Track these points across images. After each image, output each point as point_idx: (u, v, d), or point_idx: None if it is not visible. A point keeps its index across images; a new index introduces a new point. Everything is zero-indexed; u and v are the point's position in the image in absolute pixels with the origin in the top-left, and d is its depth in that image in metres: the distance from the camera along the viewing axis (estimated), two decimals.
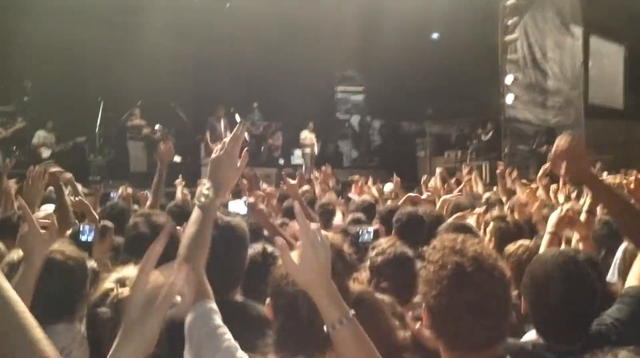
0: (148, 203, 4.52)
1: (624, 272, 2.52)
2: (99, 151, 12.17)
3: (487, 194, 6.17)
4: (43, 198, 4.75)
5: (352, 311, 1.47)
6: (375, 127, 19.08)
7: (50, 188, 4.63)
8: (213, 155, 1.86)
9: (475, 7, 14.08)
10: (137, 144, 12.48)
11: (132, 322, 1.20)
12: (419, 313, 2.05)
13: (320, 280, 1.46)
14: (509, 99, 14.83)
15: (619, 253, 2.98)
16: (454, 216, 4.14)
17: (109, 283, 1.85)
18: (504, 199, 5.92)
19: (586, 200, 3.30)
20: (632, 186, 3.45)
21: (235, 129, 1.85)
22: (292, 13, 14.61)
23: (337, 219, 5.08)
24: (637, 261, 2.09)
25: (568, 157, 2.08)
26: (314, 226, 1.50)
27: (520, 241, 2.83)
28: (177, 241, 1.76)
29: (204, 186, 1.82)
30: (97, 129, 12.00)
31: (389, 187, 8.16)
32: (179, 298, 1.77)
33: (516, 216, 4.49)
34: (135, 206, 5.49)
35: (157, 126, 12.73)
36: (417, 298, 2.48)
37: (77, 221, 3.94)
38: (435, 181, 7.21)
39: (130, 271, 1.85)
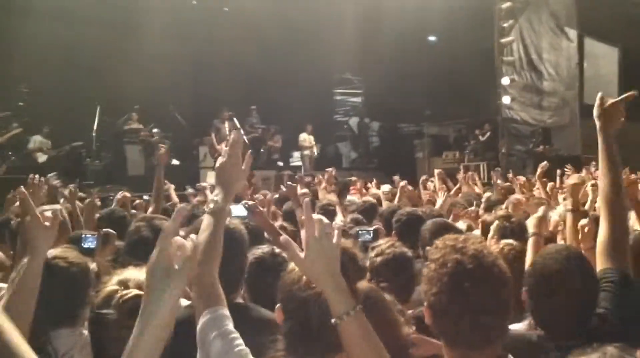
0: (150, 209, 4.49)
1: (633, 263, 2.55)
2: (95, 155, 12.07)
3: (487, 194, 6.23)
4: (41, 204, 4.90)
5: (359, 305, 1.47)
6: (374, 128, 19.14)
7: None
8: (217, 162, 1.87)
9: (472, 10, 14.18)
10: (135, 148, 12.31)
11: (153, 292, 1.20)
12: (417, 312, 2.10)
13: (327, 271, 1.46)
14: (506, 100, 14.98)
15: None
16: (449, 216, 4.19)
17: (111, 285, 1.84)
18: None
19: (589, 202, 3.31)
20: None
21: (232, 136, 1.87)
22: (290, 16, 14.58)
23: (338, 220, 4.96)
24: (603, 238, 2.13)
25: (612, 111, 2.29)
26: (320, 219, 1.50)
27: (504, 241, 2.86)
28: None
29: (213, 193, 1.83)
30: (93, 133, 11.88)
31: (386, 188, 8.21)
32: (184, 302, 1.84)
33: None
34: (133, 211, 5.45)
35: (154, 130, 12.66)
36: (414, 296, 2.53)
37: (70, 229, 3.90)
38: (434, 182, 7.25)
39: (131, 273, 1.86)
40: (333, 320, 1.46)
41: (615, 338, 1.20)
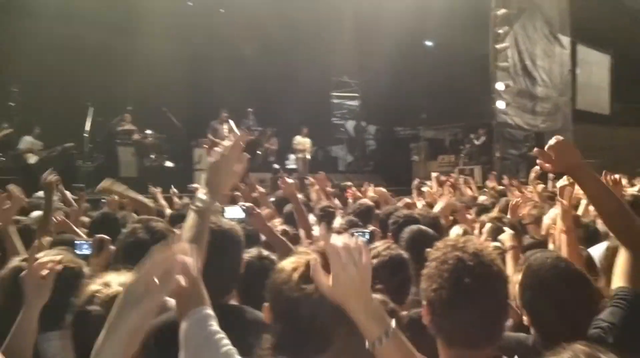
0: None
1: (606, 269, 2.56)
2: (87, 157, 11.72)
3: (482, 198, 6.30)
4: (32, 206, 4.86)
5: (393, 324, 1.43)
6: (371, 132, 19.24)
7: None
8: (211, 160, 1.82)
9: (468, 16, 14.33)
10: (127, 150, 12.10)
11: (124, 306, 1.21)
12: (413, 313, 2.09)
13: (357, 299, 1.41)
14: (500, 105, 15.18)
15: (599, 251, 2.98)
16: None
17: (94, 285, 1.79)
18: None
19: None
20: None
21: (237, 136, 1.83)
22: (288, 18, 14.57)
23: (337, 222, 4.89)
24: (620, 258, 2.05)
25: (557, 149, 2.13)
26: (345, 243, 1.42)
27: (495, 243, 2.87)
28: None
29: (200, 191, 1.78)
30: (85, 134, 11.56)
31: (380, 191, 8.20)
32: (172, 302, 1.78)
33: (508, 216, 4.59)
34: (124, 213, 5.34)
35: (148, 131, 12.52)
36: (410, 297, 2.53)
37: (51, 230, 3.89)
38: (431, 186, 7.29)
39: (114, 276, 1.82)
40: (367, 346, 1.41)
41: (616, 352, 1.19)
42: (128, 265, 2.15)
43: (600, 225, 3.59)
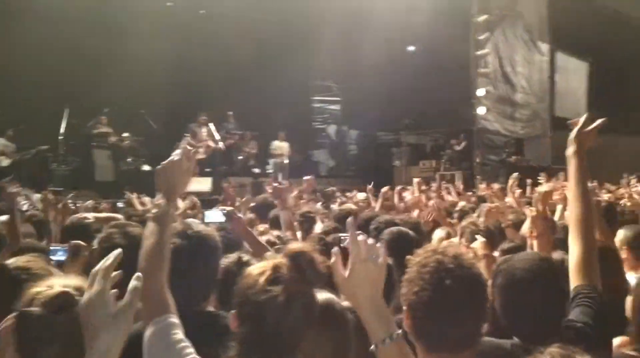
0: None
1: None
2: (62, 160, 11.59)
3: (461, 203, 6.33)
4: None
5: (398, 330, 1.47)
6: (352, 136, 19.22)
7: None
8: (158, 166, 1.82)
9: (450, 22, 14.47)
10: (103, 153, 11.99)
11: (98, 332, 1.27)
12: (396, 319, 2.14)
13: (370, 296, 1.45)
14: (481, 110, 15.31)
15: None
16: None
17: (36, 288, 1.70)
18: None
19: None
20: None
21: (181, 143, 1.90)
22: (270, 21, 14.58)
23: (318, 228, 4.81)
24: (572, 256, 2.15)
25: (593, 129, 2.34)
26: (370, 242, 1.49)
27: (472, 246, 2.93)
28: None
29: (156, 198, 1.78)
30: (60, 136, 11.44)
31: (362, 196, 8.24)
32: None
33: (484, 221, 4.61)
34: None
35: (124, 134, 12.38)
36: (394, 303, 2.48)
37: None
38: (413, 191, 7.28)
39: (58, 279, 1.73)
40: (372, 347, 1.45)
41: (592, 351, 1.22)
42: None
43: None
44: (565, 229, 3.61)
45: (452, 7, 14.49)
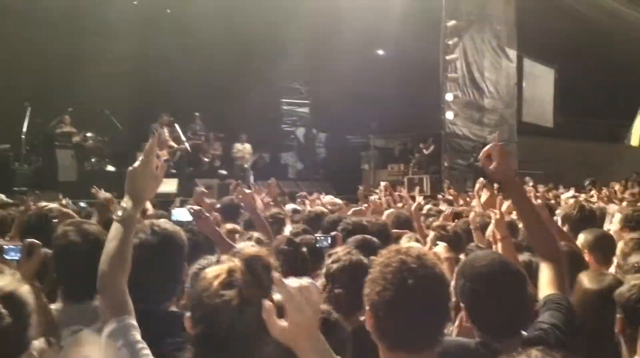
0: None
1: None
2: (24, 160, 11.30)
3: (427, 206, 6.34)
4: None
5: None
6: (321, 139, 19.25)
7: None
8: (129, 168, 1.83)
9: (420, 27, 14.56)
10: (67, 153, 11.58)
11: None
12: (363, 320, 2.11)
13: (308, 335, 1.41)
14: (449, 115, 15.45)
15: None
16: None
17: None
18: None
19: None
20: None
21: (150, 141, 1.88)
22: (238, 22, 14.40)
23: (287, 230, 4.85)
24: (544, 270, 2.20)
25: (500, 157, 2.25)
26: (297, 282, 1.41)
27: (435, 250, 2.93)
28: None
29: (123, 200, 1.78)
30: (23, 135, 11.08)
31: (329, 199, 8.24)
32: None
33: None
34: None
35: (88, 134, 12.09)
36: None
37: None
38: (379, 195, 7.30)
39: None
40: None
41: (555, 348, 1.24)
42: (59, 269, 2.18)
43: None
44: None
45: (422, 11, 14.61)
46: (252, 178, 13.69)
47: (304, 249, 3.17)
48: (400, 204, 6.85)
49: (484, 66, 17.15)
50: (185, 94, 14.03)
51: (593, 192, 9.76)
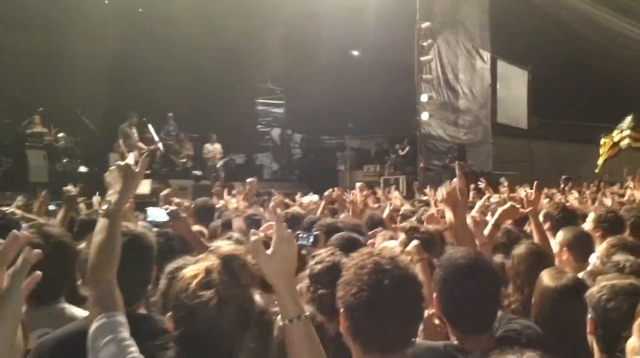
0: None
1: (514, 276, 2.82)
2: None
3: (404, 207, 6.31)
4: None
5: (306, 313, 1.55)
6: (296, 140, 19.22)
7: None
8: (112, 166, 1.86)
9: (394, 28, 14.60)
10: (38, 153, 11.39)
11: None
12: None
13: (286, 274, 1.53)
14: (424, 116, 15.50)
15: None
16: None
17: None
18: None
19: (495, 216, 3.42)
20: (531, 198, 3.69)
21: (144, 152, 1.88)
22: (214, 22, 14.29)
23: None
24: None
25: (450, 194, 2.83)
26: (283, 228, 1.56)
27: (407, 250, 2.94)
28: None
29: (108, 194, 1.80)
30: None
31: (308, 199, 8.21)
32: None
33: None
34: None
35: (60, 134, 11.87)
36: None
37: None
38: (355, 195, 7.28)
39: None
40: (282, 323, 1.53)
41: (526, 347, 1.27)
42: None
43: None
44: (507, 233, 3.68)
45: (397, 13, 14.65)
46: (222, 177, 13.56)
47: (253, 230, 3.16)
48: (376, 205, 6.86)
49: (459, 68, 17.30)
50: (160, 95, 13.87)
51: (574, 191, 9.84)
